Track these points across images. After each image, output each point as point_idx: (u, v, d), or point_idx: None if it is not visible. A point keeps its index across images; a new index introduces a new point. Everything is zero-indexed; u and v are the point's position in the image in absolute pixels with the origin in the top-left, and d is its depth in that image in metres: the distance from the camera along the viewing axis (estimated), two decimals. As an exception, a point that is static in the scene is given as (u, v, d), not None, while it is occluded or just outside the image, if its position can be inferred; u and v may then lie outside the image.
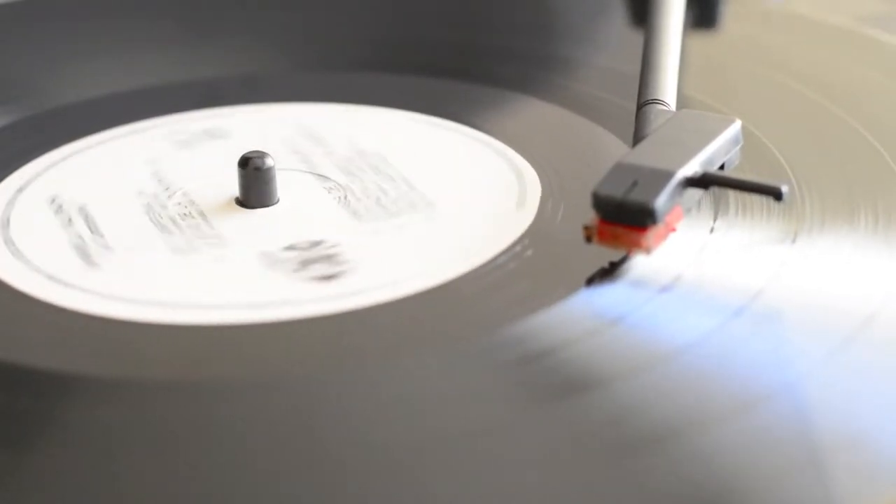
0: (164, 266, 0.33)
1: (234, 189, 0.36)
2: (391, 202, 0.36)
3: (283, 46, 0.46)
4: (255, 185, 0.36)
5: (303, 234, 0.34)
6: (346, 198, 0.36)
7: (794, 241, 0.33)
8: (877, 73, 0.42)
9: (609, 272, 0.32)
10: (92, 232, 0.35)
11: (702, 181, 0.32)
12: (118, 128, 0.41)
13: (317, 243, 0.34)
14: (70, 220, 0.36)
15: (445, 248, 0.33)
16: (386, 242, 0.34)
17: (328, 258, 0.33)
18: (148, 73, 0.44)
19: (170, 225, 0.35)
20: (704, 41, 0.45)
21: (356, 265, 0.33)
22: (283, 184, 0.36)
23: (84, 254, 0.34)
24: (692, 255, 0.32)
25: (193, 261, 0.34)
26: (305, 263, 0.33)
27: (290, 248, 0.34)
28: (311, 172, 0.38)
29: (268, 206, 0.36)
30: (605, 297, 0.31)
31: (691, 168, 0.32)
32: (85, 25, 0.48)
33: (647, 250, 0.31)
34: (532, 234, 0.34)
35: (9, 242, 0.35)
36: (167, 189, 0.37)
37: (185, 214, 0.36)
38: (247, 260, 0.34)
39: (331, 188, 0.37)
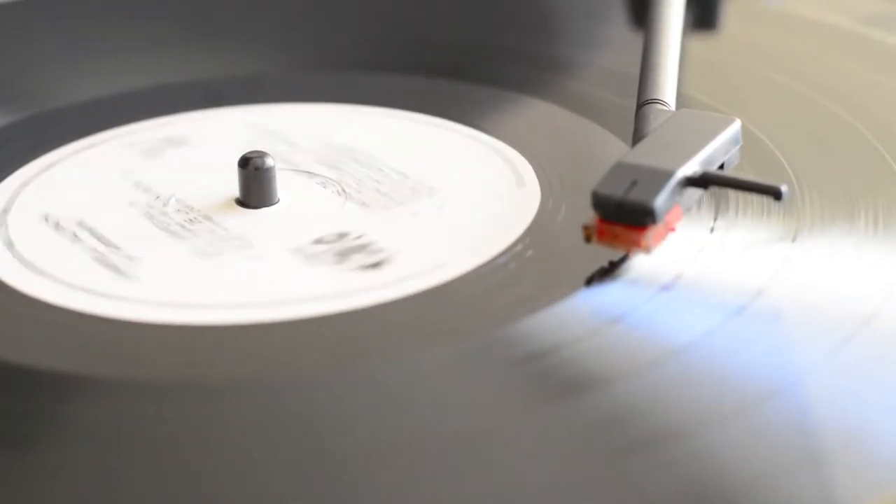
0: (191, 269, 0.34)
1: (228, 190, 0.36)
2: (392, 203, 0.36)
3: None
4: (256, 185, 0.36)
5: (325, 228, 0.35)
6: (345, 194, 0.36)
7: (794, 240, 0.33)
8: (876, 72, 0.42)
9: (609, 272, 0.32)
10: (104, 244, 0.35)
11: (701, 181, 0.32)
12: (85, 139, 0.40)
13: (343, 235, 0.34)
14: (75, 233, 0.35)
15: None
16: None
17: (362, 248, 0.34)
18: (144, 75, 0.44)
19: (181, 230, 0.35)
20: (705, 41, 0.45)
21: (394, 254, 0.33)
22: (281, 184, 0.36)
23: (107, 264, 0.34)
24: (692, 254, 0.32)
25: (224, 261, 0.34)
26: (343, 255, 0.33)
27: (319, 241, 0.34)
28: (301, 171, 0.38)
29: (269, 205, 0.36)
30: (605, 296, 0.31)
31: (691, 168, 0.32)
32: (72, 27, 0.48)
33: (647, 250, 0.31)
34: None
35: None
36: (158, 197, 0.37)
37: (191, 220, 0.36)
38: (281, 256, 0.34)
39: (327, 186, 0.37)
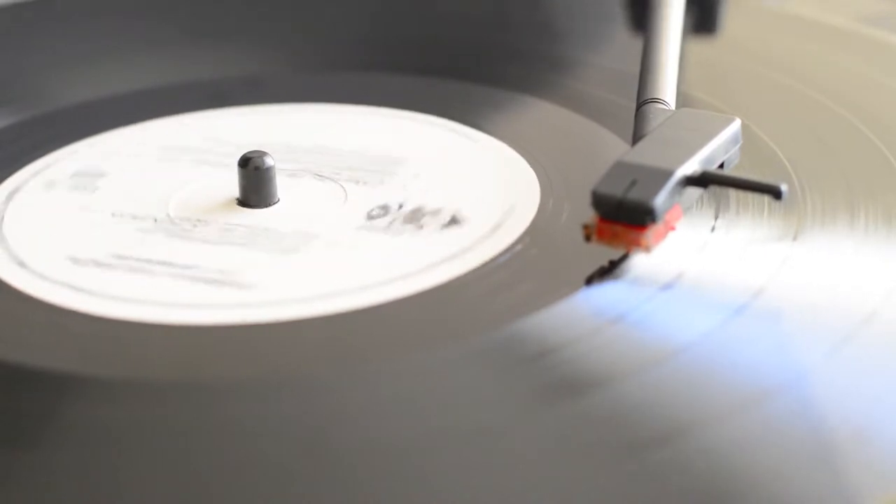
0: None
1: (225, 192, 0.36)
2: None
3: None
4: (256, 184, 0.36)
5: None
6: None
7: (795, 238, 0.33)
8: (877, 71, 0.42)
9: (609, 271, 0.32)
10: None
11: (701, 180, 0.32)
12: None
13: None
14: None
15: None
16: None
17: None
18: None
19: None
20: (705, 41, 0.45)
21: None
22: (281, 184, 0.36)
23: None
24: (693, 253, 0.32)
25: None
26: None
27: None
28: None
29: (269, 205, 0.36)
30: (606, 296, 0.31)
31: (691, 167, 0.32)
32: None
33: (647, 249, 0.31)
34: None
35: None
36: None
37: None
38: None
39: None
